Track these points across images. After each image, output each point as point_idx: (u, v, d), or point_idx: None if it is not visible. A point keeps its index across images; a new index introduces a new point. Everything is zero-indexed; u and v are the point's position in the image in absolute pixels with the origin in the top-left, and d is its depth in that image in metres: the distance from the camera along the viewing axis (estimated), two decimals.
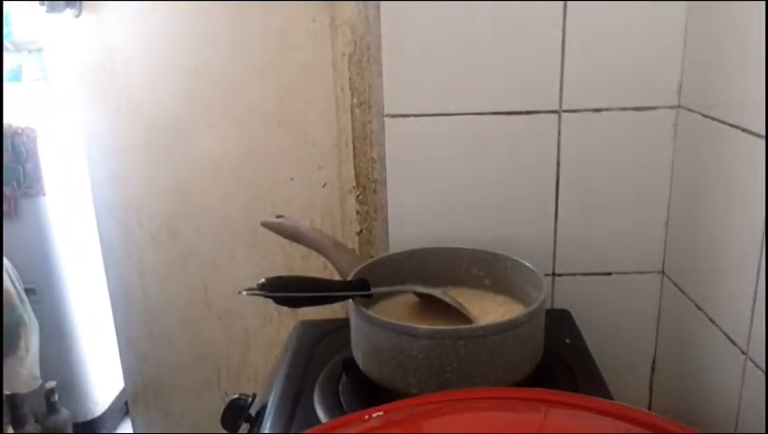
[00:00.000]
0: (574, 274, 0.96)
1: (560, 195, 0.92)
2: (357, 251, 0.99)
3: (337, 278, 0.84)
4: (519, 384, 0.69)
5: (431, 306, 0.78)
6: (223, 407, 0.78)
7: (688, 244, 0.88)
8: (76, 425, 1.94)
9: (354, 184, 0.99)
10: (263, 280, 0.69)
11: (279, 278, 0.70)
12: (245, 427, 0.77)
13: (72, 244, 1.87)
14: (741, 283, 0.72)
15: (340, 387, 0.75)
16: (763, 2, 0.66)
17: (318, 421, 0.70)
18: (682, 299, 0.89)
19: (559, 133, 0.89)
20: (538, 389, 0.56)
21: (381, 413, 0.53)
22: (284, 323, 1.22)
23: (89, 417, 2.00)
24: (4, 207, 1.76)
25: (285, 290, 0.71)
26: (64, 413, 1.86)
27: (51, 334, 1.81)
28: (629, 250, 0.94)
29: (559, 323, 0.89)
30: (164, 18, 1.18)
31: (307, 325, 0.93)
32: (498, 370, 0.68)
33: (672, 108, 0.88)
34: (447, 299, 0.77)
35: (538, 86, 0.88)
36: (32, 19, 1.93)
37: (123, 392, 1.82)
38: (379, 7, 0.86)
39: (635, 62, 0.87)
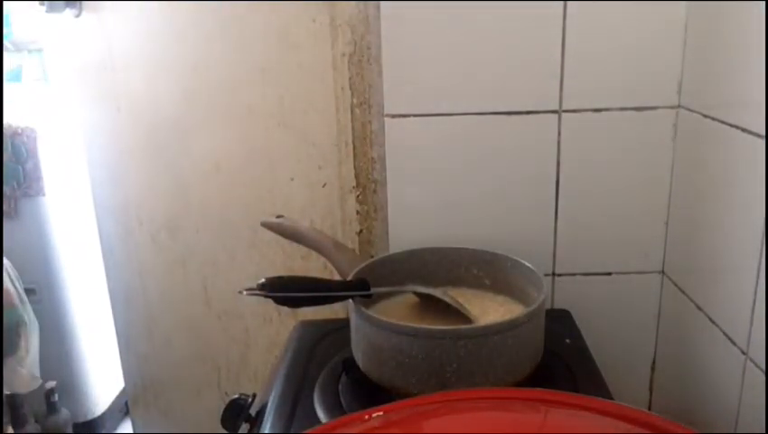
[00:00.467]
0: (574, 274, 0.96)
1: (560, 195, 0.92)
2: (357, 251, 0.99)
3: (337, 278, 0.84)
4: (519, 384, 0.69)
5: (431, 306, 0.78)
6: (223, 407, 0.78)
7: (688, 244, 0.88)
8: (76, 425, 1.94)
9: (354, 184, 0.99)
10: (263, 280, 0.69)
11: (279, 278, 0.70)
12: (245, 427, 0.77)
13: (72, 244, 1.87)
14: (741, 283, 0.72)
15: (340, 387, 0.75)
16: (763, 2, 0.66)
17: (318, 421, 0.70)
18: (682, 299, 0.89)
19: (559, 133, 0.89)
20: (538, 389, 0.56)
21: (381, 413, 0.53)
22: (284, 323, 1.22)
23: (89, 417, 2.00)
24: (4, 207, 1.76)
25: (285, 290, 0.71)
26: (64, 413, 1.86)
27: (51, 334, 1.81)
28: (629, 250, 0.94)
29: (559, 323, 0.89)
30: (165, 18, 1.18)
31: (307, 325, 0.93)
32: (498, 370, 0.68)
33: (672, 108, 0.88)
34: (447, 299, 0.77)
35: (538, 86, 0.88)
36: (32, 19, 1.93)
37: (123, 392, 1.82)
38: (379, 7, 0.86)
39: (635, 62, 0.87)
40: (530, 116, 0.89)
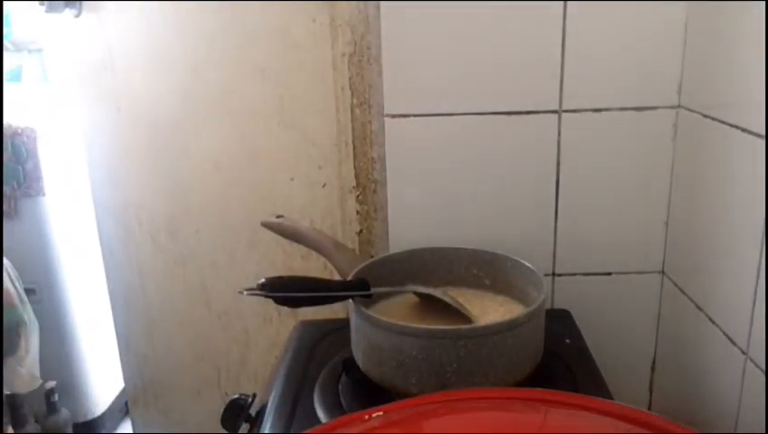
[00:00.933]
0: (574, 274, 0.96)
1: (560, 195, 0.92)
2: (357, 251, 0.99)
3: (337, 278, 0.84)
4: (519, 384, 0.69)
5: (431, 306, 0.78)
6: (223, 407, 0.78)
7: (688, 244, 0.88)
8: (76, 425, 1.94)
9: (354, 184, 0.99)
10: (263, 280, 0.69)
11: (279, 278, 0.70)
12: (245, 427, 0.77)
13: (72, 244, 1.87)
14: (741, 283, 0.72)
15: (340, 387, 0.75)
16: (763, 2, 0.66)
17: (318, 421, 0.70)
18: (682, 299, 0.89)
19: (559, 133, 0.89)
20: (538, 389, 0.56)
21: (381, 413, 0.53)
22: (284, 323, 1.22)
23: (89, 417, 2.00)
24: (4, 207, 1.76)
25: (285, 290, 0.71)
26: (64, 413, 1.86)
27: (51, 334, 1.81)
28: (629, 250, 0.94)
29: (559, 323, 0.89)
30: (165, 18, 1.18)
31: (307, 325, 0.93)
32: (498, 370, 0.68)
33: (672, 108, 0.88)
34: (447, 299, 0.77)
35: (538, 86, 0.88)
36: (32, 19, 1.93)
37: (123, 392, 1.82)
38: (379, 7, 0.86)
39: (635, 62, 0.87)
40: (530, 116, 0.89)
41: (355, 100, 0.96)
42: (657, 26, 0.85)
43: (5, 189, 1.75)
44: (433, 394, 0.59)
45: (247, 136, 1.16)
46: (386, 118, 0.90)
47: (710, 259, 0.81)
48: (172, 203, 1.28)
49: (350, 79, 0.95)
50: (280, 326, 1.23)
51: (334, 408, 0.71)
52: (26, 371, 1.66)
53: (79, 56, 1.31)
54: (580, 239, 0.94)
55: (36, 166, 1.76)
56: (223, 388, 1.34)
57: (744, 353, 0.73)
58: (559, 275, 0.96)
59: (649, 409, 1.00)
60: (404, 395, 0.65)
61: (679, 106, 0.88)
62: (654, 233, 0.93)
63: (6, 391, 1.64)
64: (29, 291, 1.75)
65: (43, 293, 1.84)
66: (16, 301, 1.66)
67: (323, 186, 1.12)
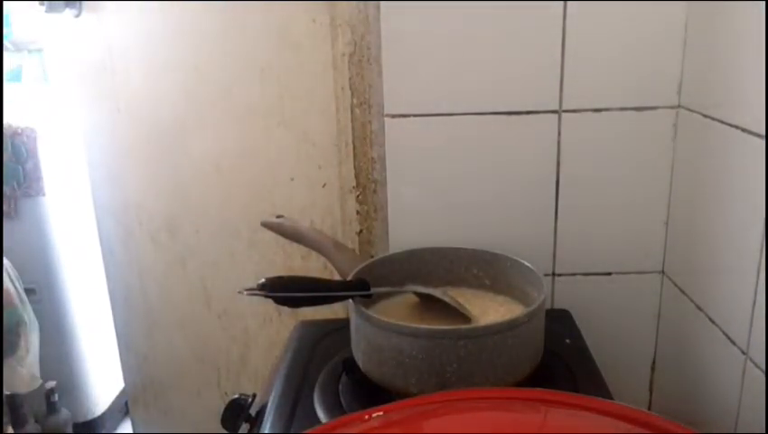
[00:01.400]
0: (574, 274, 0.96)
1: (560, 195, 0.92)
2: (357, 251, 0.99)
3: (337, 278, 0.84)
4: (519, 384, 0.69)
5: (431, 306, 0.78)
6: (223, 407, 0.78)
7: (688, 244, 0.88)
8: (76, 425, 1.94)
9: (354, 184, 0.99)
10: (263, 280, 0.69)
11: (279, 278, 0.70)
12: (245, 427, 0.77)
13: (72, 244, 1.87)
14: (741, 283, 0.72)
15: (340, 387, 0.75)
16: (763, 2, 0.66)
17: (318, 421, 0.70)
18: (682, 299, 0.89)
19: (559, 133, 0.89)
20: (538, 389, 0.56)
21: (381, 413, 0.53)
22: (284, 323, 1.22)
23: (89, 417, 2.00)
24: (4, 207, 1.76)
25: (285, 290, 0.71)
26: (64, 413, 1.86)
27: (51, 334, 1.81)
28: (629, 250, 0.94)
29: (559, 323, 0.89)
30: (164, 18, 1.18)
31: (307, 325, 0.93)
32: (498, 370, 0.68)
33: (672, 108, 0.88)
34: (447, 299, 0.77)
35: (538, 86, 0.88)
36: (32, 19, 1.93)
37: (123, 392, 1.82)
38: (379, 7, 0.86)
39: (635, 62, 0.87)
40: (530, 116, 0.89)
41: (355, 100, 0.96)
42: (657, 26, 0.85)
43: (5, 189, 1.75)
44: (433, 394, 0.59)
45: (247, 136, 1.16)
46: (386, 118, 0.90)
47: (710, 259, 0.81)
48: (172, 203, 1.28)
49: (350, 79, 0.95)
50: (280, 326, 1.23)
51: (334, 408, 0.71)
52: (26, 371, 1.66)
53: (79, 56, 1.31)
54: (580, 239, 0.94)
55: (36, 166, 1.76)
56: (223, 388, 1.34)
57: (744, 353, 0.73)
58: (559, 275, 0.96)
59: (649, 409, 1.00)
60: (404, 395, 0.65)
61: (678, 106, 0.88)
62: (654, 233, 0.93)
63: (6, 391, 1.64)
64: (29, 291, 1.75)
65: (43, 293, 1.84)
66: (16, 301, 1.66)
67: (323, 186, 1.12)
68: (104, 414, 2.04)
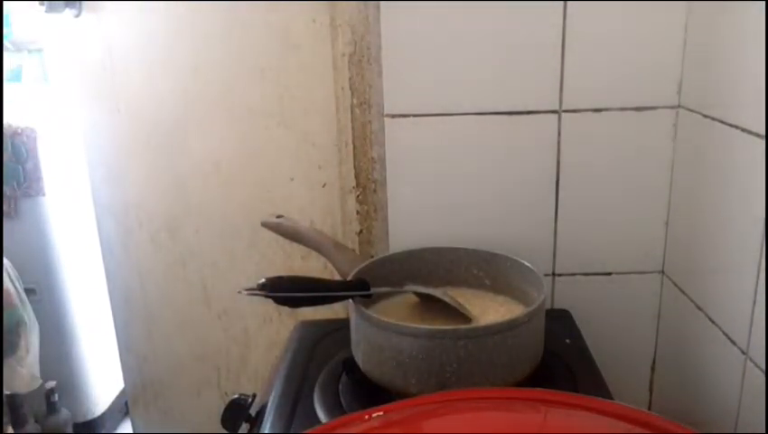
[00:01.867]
0: (574, 274, 0.96)
1: (560, 195, 0.92)
2: (357, 251, 0.99)
3: (337, 278, 0.84)
4: (519, 384, 0.69)
5: (431, 306, 0.78)
6: (223, 407, 0.78)
7: (688, 244, 0.88)
8: (76, 425, 1.94)
9: (354, 184, 0.99)
10: (263, 280, 0.69)
11: (279, 278, 0.70)
12: (245, 427, 0.77)
13: (72, 244, 1.87)
14: (741, 283, 0.72)
15: (340, 387, 0.75)
16: (763, 2, 0.66)
17: (318, 421, 0.70)
18: (682, 299, 0.89)
19: (559, 133, 0.89)
20: (538, 389, 0.55)
21: (381, 413, 0.53)
22: (284, 323, 1.22)
23: (89, 417, 2.00)
24: (4, 207, 1.76)
25: (285, 290, 0.71)
26: (64, 413, 1.86)
27: (51, 334, 1.81)
28: (629, 250, 0.94)
29: (559, 323, 0.89)
30: (164, 18, 1.18)
31: (307, 325, 0.93)
32: (498, 370, 0.68)
33: (672, 108, 0.88)
34: (447, 299, 0.77)
35: (538, 86, 0.88)
36: (32, 19, 1.93)
37: (123, 392, 1.82)
38: (379, 7, 0.86)
39: (635, 62, 0.87)
40: (530, 116, 0.89)
41: (355, 100, 0.96)
42: (657, 26, 0.85)
43: (5, 189, 1.75)
44: (433, 394, 0.59)
45: (247, 136, 1.16)
46: (386, 118, 0.90)
47: (710, 259, 0.81)
48: (171, 203, 1.28)
49: (350, 79, 0.95)
50: (280, 326, 1.23)
51: (334, 408, 0.71)
52: (26, 371, 1.66)
53: (79, 56, 1.31)
54: (580, 239, 0.94)
55: (36, 166, 1.76)
56: (223, 388, 1.34)
57: (744, 353, 0.73)
58: (559, 275, 0.96)
59: (649, 409, 1.00)
60: (404, 395, 0.65)
61: (678, 106, 0.88)
62: (654, 233, 0.93)
63: (6, 391, 1.64)
64: (29, 291, 1.75)
65: (43, 293, 1.84)
66: (16, 301, 1.66)
67: (323, 186, 1.12)
68: (104, 414, 2.04)
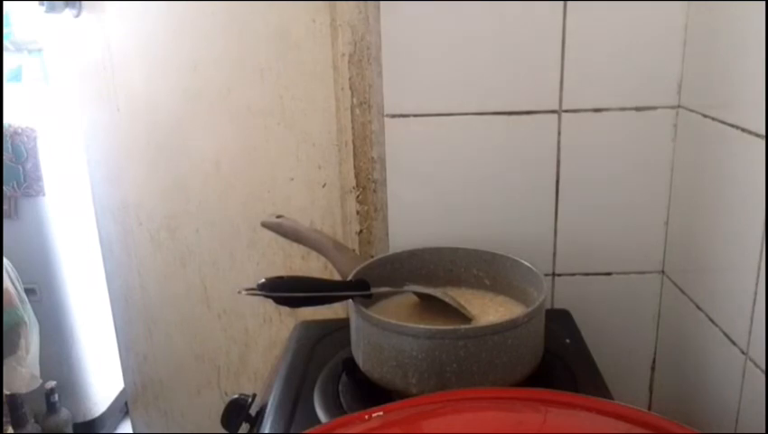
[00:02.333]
0: (574, 274, 0.96)
1: (560, 195, 0.92)
2: (357, 251, 0.99)
3: (337, 278, 0.84)
4: (519, 384, 0.69)
5: (431, 306, 0.78)
6: (223, 407, 0.78)
7: (688, 244, 0.88)
8: (76, 425, 1.94)
9: (354, 184, 0.99)
10: (263, 280, 0.69)
11: (279, 278, 0.70)
12: (245, 427, 0.77)
13: (72, 244, 1.87)
14: (741, 283, 0.72)
15: (340, 387, 0.75)
16: (763, 2, 0.66)
17: (318, 421, 0.70)
18: (682, 299, 0.89)
19: (559, 133, 0.89)
20: (538, 389, 0.56)
21: (381, 413, 0.53)
22: (284, 323, 1.22)
23: (89, 417, 2.00)
24: (4, 207, 1.76)
25: (285, 290, 0.71)
26: (64, 413, 1.86)
27: (51, 334, 1.81)
28: (629, 250, 0.94)
29: (559, 323, 0.89)
30: (164, 18, 1.18)
31: (307, 325, 0.93)
32: (498, 370, 0.68)
33: (672, 108, 0.88)
34: (447, 299, 0.77)
35: (538, 86, 0.88)
36: (32, 19, 1.93)
37: (123, 392, 1.82)
38: (379, 7, 0.86)
39: (635, 62, 0.87)
40: (530, 116, 0.89)
41: (355, 100, 0.96)
42: (657, 26, 0.85)
43: (5, 189, 1.75)
44: (433, 394, 0.59)
45: (247, 136, 1.16)
46: (386, 118, 0.90)
47: (710, 259, 0.81)
48: (171, 203, 1.28)
49: (350, 79, 0.95)
50: (280, 326, 1.23)
51: (334, 408, 0.71)
52: (26, 371, 1.66)
53: (79, 56, 1.30)
54: (580, 239, 0.94)
55: (36, 166, 1.76)
56: (223, 388, 1.34)
57: (744, 353, 0.73)
58: (559, 275, 0.96)
59: (649, 409, 1.00)
60: (404, 395, 0.65)
61: (678, 106, 0.88)
62: (654, 233, 0.93)
63: (6, 391, 1.64)
64: (29, 291, 1.75)
65: (43, 293, 1.84)
66: (16, 301, 1.66)
67: (323, 186, 1.12)
68: (104, 414, 2.04)
